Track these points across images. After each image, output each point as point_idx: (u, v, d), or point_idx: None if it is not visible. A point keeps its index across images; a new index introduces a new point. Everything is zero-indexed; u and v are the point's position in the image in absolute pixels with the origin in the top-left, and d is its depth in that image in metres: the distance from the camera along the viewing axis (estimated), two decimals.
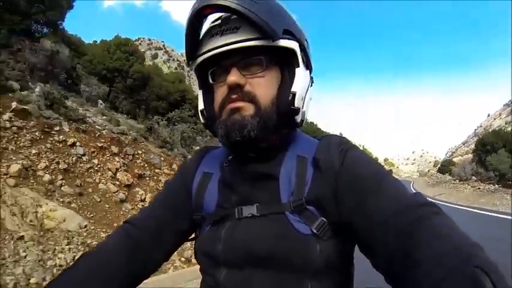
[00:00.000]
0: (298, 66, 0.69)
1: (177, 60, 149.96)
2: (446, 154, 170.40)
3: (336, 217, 0.63)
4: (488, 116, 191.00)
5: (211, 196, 0.76)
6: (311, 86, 0.76)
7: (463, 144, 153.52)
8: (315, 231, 0.63)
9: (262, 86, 0.68)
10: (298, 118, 0.71)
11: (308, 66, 0.74)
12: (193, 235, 0.83)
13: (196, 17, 0.66)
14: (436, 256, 0.44)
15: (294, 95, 0.68)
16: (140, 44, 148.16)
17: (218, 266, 0.69)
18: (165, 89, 17.20)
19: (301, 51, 0.69)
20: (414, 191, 0.62)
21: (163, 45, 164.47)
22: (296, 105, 0.68)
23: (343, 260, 0.67)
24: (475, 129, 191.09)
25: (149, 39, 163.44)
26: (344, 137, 0.74)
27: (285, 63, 0.70)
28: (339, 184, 0.64)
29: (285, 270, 0.63)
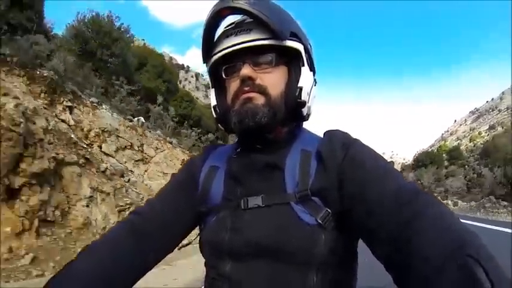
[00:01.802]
0: (304, 65, 0.73)
1: None
2: (414, 157, 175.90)
3: (339, 208, 0.64)
4: (455, 121, 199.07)
5: (217, 188, 0.77)
6: (315, 85, 0.79)
7: (430, 148, 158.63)
8: (320, 221, 0.63)
9: (272, 80, 0.71)
10: (305, 111, 0.75)
11: (312, 68, 0.78)
12: (196, 228, 0.83)
13: (214, 18, 0.71)
14: (433, 245, 0.44)
15: (301, 89, 0.71)
16: None
17: (223, 258, 0.69)
18: (210, 124, 23.32)
19: (305, 53, 0.74)
20: (411, 181, 0.61)
21: (145, 45, 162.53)
22: (303, 98, 0.72)
23: (347, 252, 0.68)
24: (442, 134, 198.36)
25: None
26: (346, 132, 0.75)
27: (291, 63, 0.74)
28: (342, 176, 0.64)
29: (290, 261, 0.63)
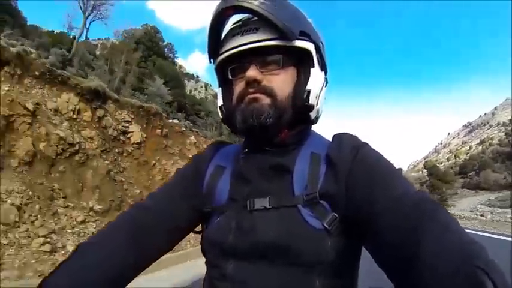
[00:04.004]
0: (313, 66, 0.71)
1: None
2: (408, 167, 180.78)
3: (346, 212, 0.62)
4: (449, 134, 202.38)
5: (223, 188, 0.75)
6: (325, 86, 0.77)
7: (424, 159, 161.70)
8: (326, 226, 0.62)
9: (279, 82, 0.69)
10: (313, 115, 0.73)
11: (323, 67, 0.76)
12: (196, 228, 0.82)
13: (219, 18, 0.69)
14: (439, 253, 0.43)
15: (309, 92, 0.69)
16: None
17: (226, 258, 0.68)
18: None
19: (316, 52, 0.71)
20: (421, 190, 0.59)
21: None
22: (310, 102, 0.70)
23: (351, 258, 0.67)
24: (436, 146, 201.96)
25: None
26: (355, 135, 0.74)
27: (301, 63, 0.72)
28: (350, 180, 0.64)
29: (295, 264, 0.62)
